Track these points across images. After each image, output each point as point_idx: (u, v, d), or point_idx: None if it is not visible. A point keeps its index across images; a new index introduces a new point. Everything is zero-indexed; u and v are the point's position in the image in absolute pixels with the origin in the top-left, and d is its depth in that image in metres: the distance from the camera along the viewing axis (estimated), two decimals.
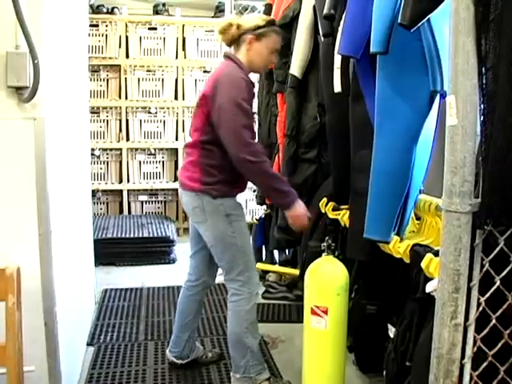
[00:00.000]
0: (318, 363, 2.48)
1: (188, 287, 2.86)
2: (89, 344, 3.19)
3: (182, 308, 2.87)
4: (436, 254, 1.74)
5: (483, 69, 1.24)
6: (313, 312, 2.41)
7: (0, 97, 2.01)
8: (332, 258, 2.48)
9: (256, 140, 2.60)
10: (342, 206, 2.71)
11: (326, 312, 2.38)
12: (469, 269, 1.30)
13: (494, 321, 1.36)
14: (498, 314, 1.36)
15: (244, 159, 2.36)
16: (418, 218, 2.26)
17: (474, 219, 1.27)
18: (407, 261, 2.01)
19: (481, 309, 1.34)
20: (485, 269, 1.33)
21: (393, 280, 2.33)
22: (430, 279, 1.74)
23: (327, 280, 2.41)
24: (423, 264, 1.79)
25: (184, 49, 6.02)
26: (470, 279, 1.32)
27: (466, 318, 1.33)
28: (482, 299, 1.34)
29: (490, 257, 1.33)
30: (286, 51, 3.44)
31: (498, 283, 1.35)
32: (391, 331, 2.21)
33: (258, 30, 2.52)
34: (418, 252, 1.92)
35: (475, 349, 1.36)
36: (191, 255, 2.86)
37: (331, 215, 2.85)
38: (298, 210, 2.47)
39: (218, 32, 2.59)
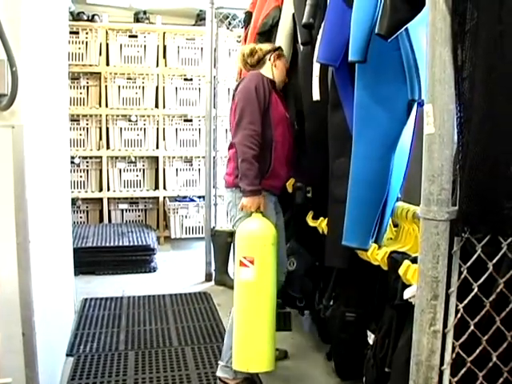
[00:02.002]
0: (249, 315, 2.62)
1: None
2: (68, 354, 3.15)
3: None
4: (413, 260, 1.76)
5: (460, 78, 1.25)
6: (241, 264, 2.59)
7: None
8: (259, 215, 2.67)
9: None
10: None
11: (252, 262, 2.57)
12: (447, 276, 1.32)
13: (472, 327, 1.37)
14: (476, 320, 1.37)
15: (242, 143, 2.66)
16: (395, 225, 2.28)
17: (451, 227, 1.29)
18: (385, 268, 2.03)
19: (459, 315, 1.35)
20: (463, 276, 1.35)
21: (371, 287, 2.34)
22: (408, 286, 1.76)
23: (254, 233, 2.63)
24: (401, 271, 1.81)
25: (165, 56, 6.00)
26: (448, 286, 1.33)
27: (445, 325, 1.34)
28: (461, 306, 1.35)
29: (468, 264, 1.34)
30: None
31: (475, 290, 1.36)
32: (370, 338, 2.22)
33: (276, 50, 2.96)
34: (395, 259, 1.93)
35: (454, 355, 1.37)
36: None
37: (311, 223, 2.86)
38: (249, 201, 2.66)
39: (247, 55, 2.94)
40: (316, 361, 3.13)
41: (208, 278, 4.74)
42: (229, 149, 2.91)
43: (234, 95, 2.86)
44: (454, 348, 1.37)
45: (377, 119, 1.95)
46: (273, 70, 2.91)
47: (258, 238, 2.61)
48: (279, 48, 3.01)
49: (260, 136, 2.67)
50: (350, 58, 1.88)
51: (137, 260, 4.96)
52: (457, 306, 1.35)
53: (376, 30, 1.62)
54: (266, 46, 2.97)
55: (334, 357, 2.81)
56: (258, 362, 2.64)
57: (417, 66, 1.90)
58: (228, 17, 5.60)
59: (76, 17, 5.77)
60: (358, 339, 2.37)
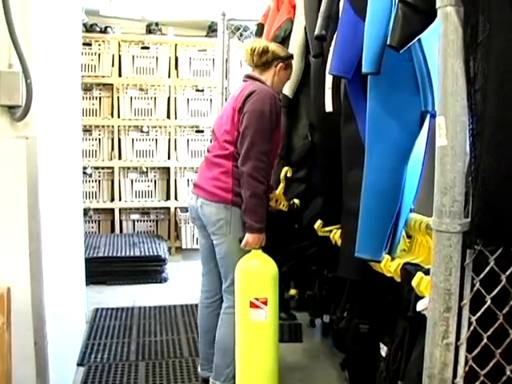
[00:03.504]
0: (258, 356, 2.54)
1: (206, 305, 2.87)
2: (79, 364, 3.16)
3: (206, 327, 2.87)
4: (426, 272, 1.75)
5: (472, 90, 1.25)
6: (252, 305, 2.48)
7: None
8: (260, 252, 2.56)
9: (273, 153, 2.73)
10: (333, 227, 2.72)
11: (265, 303, 2.48)
12: (460, 288, 1.31)
13: (485, 340, 1.36)
14: (489, 333, 1.36)
15: (252, 175, 2.51)
16: (408, 237, 2.27)
17: (464, 239, 1.28)
18: (398, 279, 2.01)
19: (472, 328, 1.34)
20: (475, 288, 1.34)
21: (384, 299, 2.33)
22: (421, 298, 1.74)
23: (262, 271, 2.52)
24: (414, 283, 1.79)
25: (176, 68, 6.04)
26: (460, 298, 1.32)
27: (458, 338, 1.33)
28: (473, 318, 1.34)
29: (481, 276, 1.33)
30: None
31: (488, 302, 1.35)
32: (383, 350, 2.21)
33: (287, 60, 2.79)
34: (408, 271, 1.92)
35: (467, 368, 1.36)
36: (205, 272, 2.87)
37: (320, 233, 2.85)
38: (255, 239, 2.54)
39: (256, 53, 2.72)
40: (329, 371, 3.11)
41: None
42: (220, 156, 2.66)
43: (243, 103, 2.60)
44: (467, 361, 1.36)
45: (389, 130, 1.95)
46: (273, 79, 2.75)
47: (270, 278, 2.53)
48: (291, 57, 2.84)
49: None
50: (364, 70, 1.88)
51: (148, 270, 4.97)
52: (470, 318, 1.34)
53: (388, 42, 1.62)
54: (279, 51, 2.77)
55: (347, 367, 2.80)
56: None
57: (430, 76, 1.90)
58: (239, 28, 5.62)
59: (89, 28, 5.83)
60: (372, 351, 2.35)
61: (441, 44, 1.27)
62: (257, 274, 2.53)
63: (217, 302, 2.84)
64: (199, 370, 2.96)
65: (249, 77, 2.78)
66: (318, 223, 2.88)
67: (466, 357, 1.35)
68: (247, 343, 2.56)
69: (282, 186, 3.04)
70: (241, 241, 2.57)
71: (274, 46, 2.77)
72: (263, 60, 2.73)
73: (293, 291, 3.61)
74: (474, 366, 1.36)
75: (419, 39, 1.72)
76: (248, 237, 2.54)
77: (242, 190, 2.55)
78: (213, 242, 2.68)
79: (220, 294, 2.81)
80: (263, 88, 2.65)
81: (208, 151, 2.77)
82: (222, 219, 2.60)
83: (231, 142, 2.62)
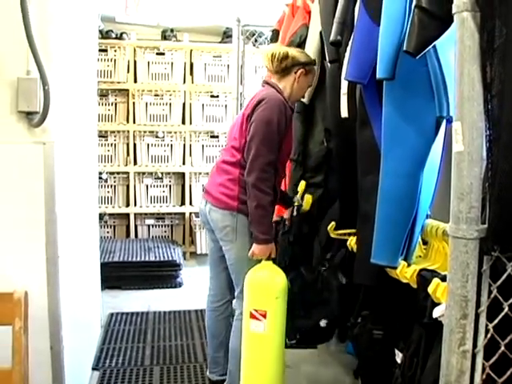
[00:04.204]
0: (258, 367, 2.54)
1: (213, 309, 2.90)
2: (94, 368, 3.18)
3: (214, 330, 2.90)
4: (443, 278, 1.73)
5: (488, 95, 1.25)
6: (252, 316, 2.49)
7: (10, 121, 2.04)
8: (271, 264, 2.56)
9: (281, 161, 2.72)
10: (349, 231, 2.70)
11: (264, 316, 2.46)
12: (476, 295, 1.30)
13: (502, 347, 1.35)
14: (506, 340, 1.35)
15: (257, 186, 2.50)
16: (425, 243, 2.25)
17: (481, 245, 1.27)
18: (414, 286, 2.00)
19: (489, 335, 1.33)
20: (493, 295, 1.33)
21: (400, 305, 2.31)
22: (437, 304, 1.73)
23: (266, 284, 2.50)
24: (430, 289, 1.78)
25: (192, 73, 6.07)
26: (477, 305, 1.31)
27: (475, 345, 1.32)
28: (491, 326, 1.33)
29: (498, 283, 1.32)
30: None
31: (506, 309, 1.34)
32: (398, 356, 2.19)
33: (308, 65, 2.74)
34: (424, 277, 1.91)
35: (484, 376, 1.35)
36: (212, 276, 2.90)
37: (333, 235, 2.83)
38: (262, 250, 2.55)
39: (276, 59, 2.68)
40: (342, 378, 3.10)
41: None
42: (228, 163, 2.69)
43: (252, 110, 2.60)
44: (484, 368, 1.34)
45: (405, 136, 1.94)
46: (293, 85, 2.72)
47: (274, 291, 2.50)
48: (312, 62, 2.78)
49: None
50: (378, 75, 1.87)
51: (162, 275, 4.99)
52: (487, 325, 1.33)
53: (404, 48, 1.61)
54: (300, 56, 2.73)
55: (361, 374, 2.78)
56: None
57: (444, 81, 1.89)
58: (254, 34, 5.64)
59: (105, 35, 5.89)
60: (386, 357, 2.34)
61: (457, 49, 1.27)
62: (259, 285, 2.52)
63: (223, 307, 2.87)
64: (207, 373, 2.99)
65: (266, 83, 2.77)
66: (331, 225, 2.87)
67: (483, 364, 1.34)
68: (247, 352, 2.57)
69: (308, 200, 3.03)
70: (249, 249, 2.57)
71: (294, 52, 2.73)
72: (282, 66, 2.69)
73: None
74: (492, 373, 1.35)
75: (434, 44, 1.72)
76: (254, 248, 2.55)
77: (248, 200, 2.56)
78: (221, 247, 2.72)
79: (226, 298, 2.86)
80: (273, 96, 2.62)
81: (220, 155, 2.78)
82: (228, 226, 2.63)
83: (238, 148, 2.64)
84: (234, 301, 2.84)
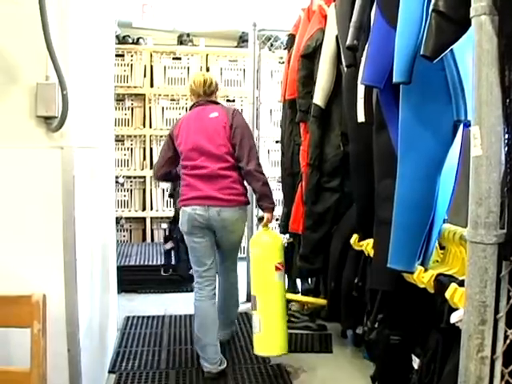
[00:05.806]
0: (281, 311, 3.11)
1: (211, 297, 3.23)
2: (110, 371, 3.18)
3: (215, 316, 3.24)
4: (460, 284, 1.72)
5: (507, 100, 1.24)
6: (277, 268, 3.06)
7: (29, 126, 2.05)
8: (268, 229, 3.21)
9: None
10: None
11: (283, 266, 3.12)
12: (495, 300, 1.29)
13: None
14: None
15: (258, 170, 3.16)
16: (442, 248, 2.24)
17: (499, 250, 1.26)
18: (431, 291, 1.99)
19: (508, 342, 1.32)
20: None
21: (417, 310, 2.30)
22: (455, 310, 1.72)
23: (277, 242, 3.16)
24: (447, 294, 1.77)
25: None
26: (496, 311, 1.30)
27: (493, 351, 1.31)
28: (510, 332, 1.32)
29: None
30: (309, 81, 3.47)
31: None
32: (415, 362, 2.18)
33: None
34: (442, 282, 1.90)
35: (503, 383, 1.34)
36: (207, 268, 3.22)
37: (356, 247, 2.84)
38: (272, 215, 3.25)
39: (207, 85, 3.39)
40: (359, 383, 3.08)
41: (249, 298, 4.72)
42: (224, 169, 3.15)
43: (231, 120, 3.18)
44: (503, 375, 1.33)
45: (422, 140, 1.93)
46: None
47: (281, 247, 3.16)
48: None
49: None
50: (395, 79, 1.87)
51: (178, 279, 4.98)
52: (506, 331, 1.32)
53: (421, 52, 1.61)
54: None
55: (378, 379, 2.76)
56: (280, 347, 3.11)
57: (462, 85, 1.88)
58: (270, 38, 5.66)
59: (122, 40, 5.93)
60: (403, 363, 2.32)
61: (475, 53, 1.26)
62: (275, 244, 3.13)
63: (214, 291, 3.28)
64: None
65: (210, 101, 3.37)
66: (354, 238, 2.88)
67: (502, 371, 1.33)
68: (275, 300, 3.07)
69: None
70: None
71: (213, 77, 3.45)
72: (212, 89, 3.38)
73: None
74: (511, 380, 1.34)
75: (451, 48, 1.71)
76: (268, 215, 3.19)
77: (252, 183, 3.19)
78: (216, 239, 3.22)
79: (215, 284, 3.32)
80: (231, 107, 3.45)
81: (199, 167, 3.15)
82: (238, 218, 3.20)
83: (228, 153, 3.17)
84: (232, 274, 3.46)
